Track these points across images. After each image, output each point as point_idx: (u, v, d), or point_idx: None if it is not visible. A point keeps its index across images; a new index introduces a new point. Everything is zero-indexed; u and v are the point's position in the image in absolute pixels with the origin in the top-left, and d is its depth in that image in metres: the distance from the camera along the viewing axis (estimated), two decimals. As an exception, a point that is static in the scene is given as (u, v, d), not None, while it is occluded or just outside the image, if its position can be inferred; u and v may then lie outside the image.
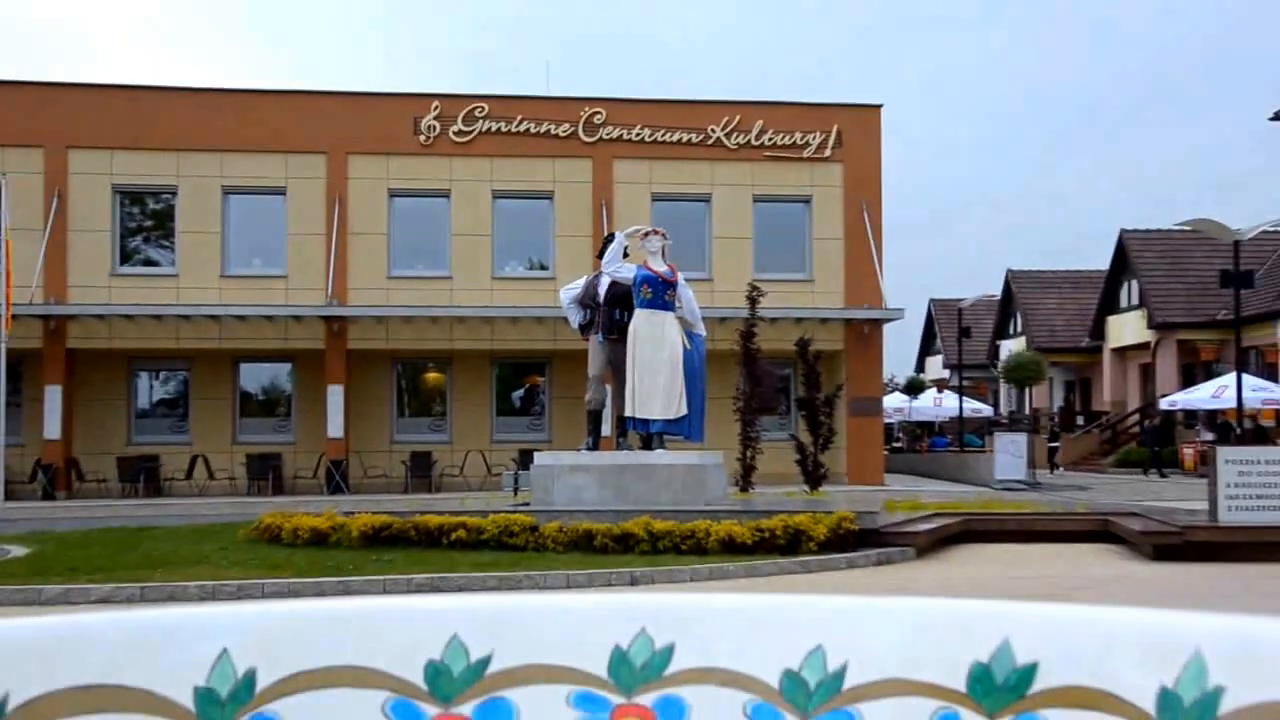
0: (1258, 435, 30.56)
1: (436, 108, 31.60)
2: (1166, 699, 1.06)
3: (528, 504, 16.58)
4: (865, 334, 31.75)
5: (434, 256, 31.74)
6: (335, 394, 30.49)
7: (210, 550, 14.47)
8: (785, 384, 31.86)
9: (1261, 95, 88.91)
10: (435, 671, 1.24)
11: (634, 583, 12.50)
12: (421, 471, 30.83)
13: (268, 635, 1.25)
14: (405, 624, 1.27)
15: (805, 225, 32.42)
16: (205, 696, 1.20)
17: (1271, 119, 39.78)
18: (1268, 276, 42.29)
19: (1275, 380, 39.20)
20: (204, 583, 11.79)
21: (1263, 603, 11.52)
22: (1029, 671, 1.13)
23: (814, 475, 23.09)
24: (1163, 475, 37.28)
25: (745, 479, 22.15)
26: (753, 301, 23.34)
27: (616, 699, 1.24)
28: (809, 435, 23.35)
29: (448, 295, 31.13)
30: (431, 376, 33.06)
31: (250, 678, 1.22)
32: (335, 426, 30.44)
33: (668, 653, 1.26)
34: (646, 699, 1.24)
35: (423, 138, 31.50)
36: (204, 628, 1.26)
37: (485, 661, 1.25)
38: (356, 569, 12.67)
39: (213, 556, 13.89)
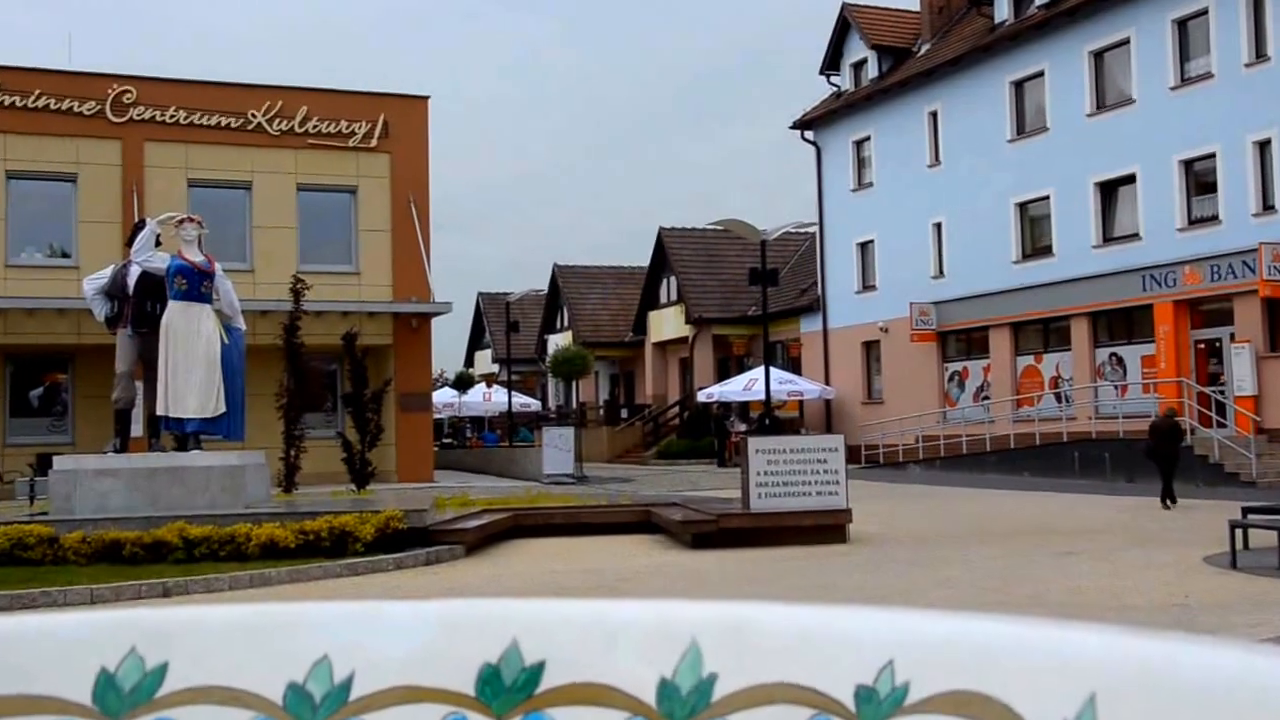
0: (773, 426, 32.86)
1: (-64, 76, 28.87)
2: (665, 689, 1.10)
3: (46, 513, 15.52)
4: (414, 328, 31.76)
5: (-66, 242, 28.98)
6: None
7: None
8: (331, 379, 31.37)
9: (794, 102, 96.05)
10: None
11: (167, 594, 11.94)
12: (-80, 481, 28.05)
13: None
14: None
15: (351, 216, 32.04)
16: None
17: (791, 127, 43.16)
18: (791, 275, 45.73)
19: (799, 373, 42.47)
20: None
21: (782, 581, 12.42)
22: (536, 671, 1.14)
23: (362, 474, 22.88)
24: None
25: (289, 479, 21.67)
26: (297, 294, 22.86)
27: (101, 729, 1.15)
28: (356, 432, 23.12)
29: (-49, 285, 28.52)
30: (-68, 375, 30.18)
31: None
32: None
33: (160, 672, 1.18)
34: (136, 726, 1.16)
35: (-80, 109, 28.70)
36: None
37: (-59, 698, 1.13)
38: None
39: None
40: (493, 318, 63.07)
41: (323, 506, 16.38)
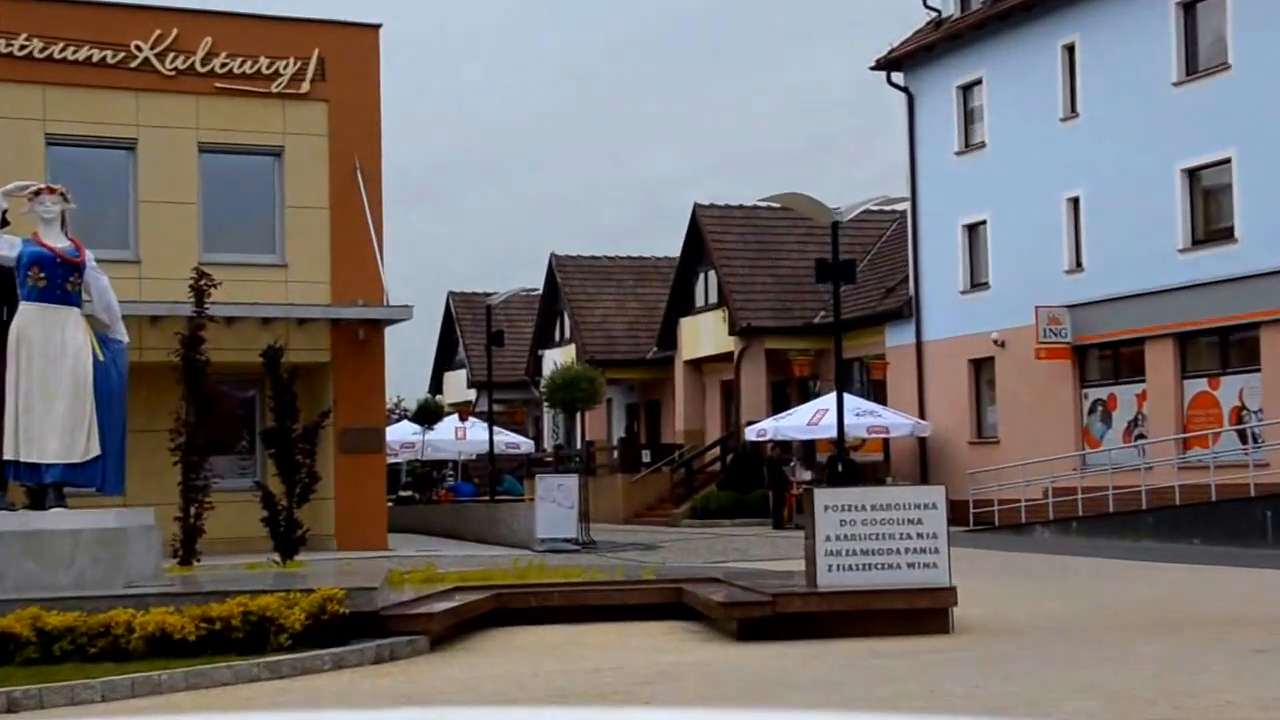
0: (849, 473, 32.43)
1: None
2: None
3: None
4: (361, 340, 31.76)
5: None
6: None
7: None
8: (247, 410, 31.37)
9: (877, 33, 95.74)
10: None
11: (13, 708, 11.90)
12: None
13: None
14: None
15: (276, 188, 32.07)
16: None
17: (874, 68, 43.11)
18: (872, 269, 45.55)
19: (883, 402, 42.24)
20: None
21: (861, 686, 12.28)
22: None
23: (288, 539, 22.86)
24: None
25: (188, 547, 21.67)
26: (200, 294, 22.88)
27: None
28: (281, 483, 23.09)
29: None
30: None
31: None
32: None
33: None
34: None
35: None
36: None
37: None
38: None
39: None
40: (468, 327, 63.14)
41: (235, 584, 16.38)
